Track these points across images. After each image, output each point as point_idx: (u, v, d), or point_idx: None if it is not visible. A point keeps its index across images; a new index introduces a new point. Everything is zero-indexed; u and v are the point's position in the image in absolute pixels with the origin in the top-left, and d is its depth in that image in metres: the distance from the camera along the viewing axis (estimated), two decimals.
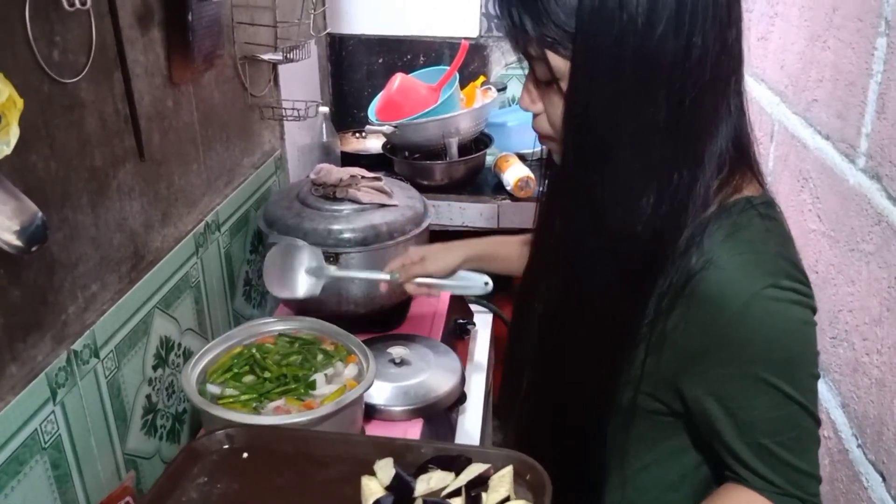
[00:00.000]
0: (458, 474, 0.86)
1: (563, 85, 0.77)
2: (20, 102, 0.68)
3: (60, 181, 0.99)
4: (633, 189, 0.76)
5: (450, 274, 1.20)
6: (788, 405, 0.76)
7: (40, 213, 0.86)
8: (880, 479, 0.87)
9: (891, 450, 0.86)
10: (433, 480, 0.86)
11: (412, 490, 0.84)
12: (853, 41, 1.02)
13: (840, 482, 0.99)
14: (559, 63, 0.76)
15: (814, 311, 0.78)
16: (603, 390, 0.86)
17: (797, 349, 0.77)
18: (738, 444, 0.79)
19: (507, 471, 0.85)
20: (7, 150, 0.69)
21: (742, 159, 0.81)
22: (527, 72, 0.83)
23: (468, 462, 0.87)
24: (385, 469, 0.88)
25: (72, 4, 0.93)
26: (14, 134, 0.69)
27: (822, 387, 1.07)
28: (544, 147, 0.90)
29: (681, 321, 0.78)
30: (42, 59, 0.93)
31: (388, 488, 0.85)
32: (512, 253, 1.24)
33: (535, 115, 0.85)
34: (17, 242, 0.81)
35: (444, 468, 0.87)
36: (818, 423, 0.79)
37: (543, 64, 0.77)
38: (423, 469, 0.88)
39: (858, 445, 0.94)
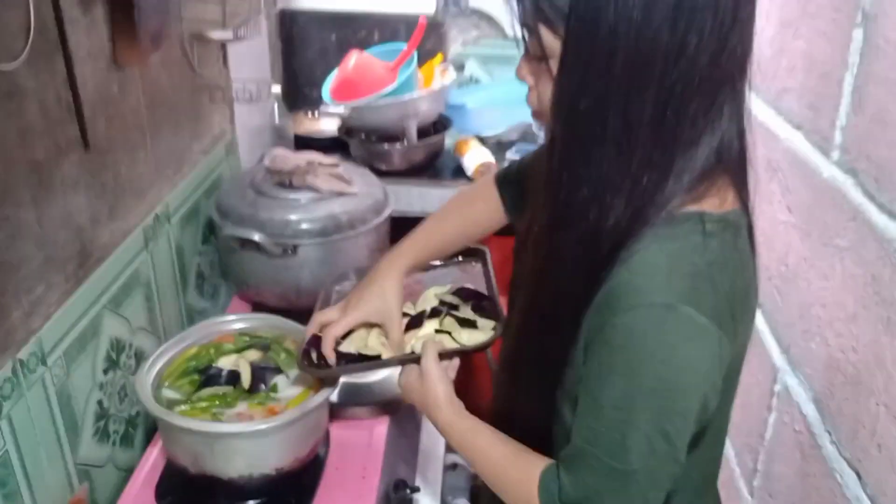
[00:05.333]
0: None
1: (554, 65, 0.74)
2: None
3: None
4: (609, 185, 0.74)
5: (399, 308, 1.04)
6: (627, 431, 0.72)
7: None
8: (855, 476, 0.88)
9: (867, 448, 0.86)
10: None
11: None
12: (828, 31, 1.01)
13: (812, 477, 0.99)
14: (551, 41, 0.73)
15: (715, 352, 0.72)
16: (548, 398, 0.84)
17: (663, 381, 0.71)
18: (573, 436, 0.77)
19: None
20: None
21: (724, 168, 0.77)
22: (523, 43, 0.79)
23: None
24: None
25: None
26: None
27: (793, 381, 1.08)
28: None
29: (590, 316, 0.76)
30: None
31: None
32: (449, 230, 1.13)
33: (528, 88, 0.81)
34: None
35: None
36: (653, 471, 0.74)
37: (536, 39, 0.74)
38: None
39: (832, 442, 0.95)
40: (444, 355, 0.97)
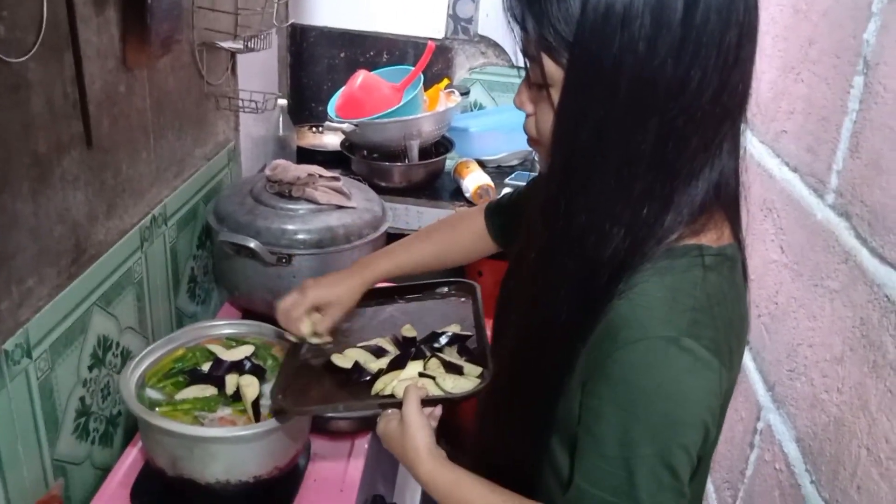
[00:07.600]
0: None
1: (555, 93, 0.73)
2: None
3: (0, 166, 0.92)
4: (608, 214, 0.73)
5: (349, 304, 1.10)
6: (634, 468, 0.70)
7: None
8: None
9: (846, 490, 0.86)
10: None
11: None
12: (829, 76, 1.03)
13: None
14: (553, 69, 0.72)
15: (716, 384, 0.71)
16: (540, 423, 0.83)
17: (667, 415, 0.70)
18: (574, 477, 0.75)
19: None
20: None
21: (721, 203, 0.77)
22: (524, 70, 0.79)
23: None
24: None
25: None
26: None
27: (777, 419, 1.07)
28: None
29: (588, 350, 0.75)
30: None
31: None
32: (428, 250, 1.15)
33: (526, 116, 0.81)
34: None
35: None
36: None
37: (538, 67, 0.73)
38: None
39: (812, 482, 0.94)
40: (427, 402, 0.92)
